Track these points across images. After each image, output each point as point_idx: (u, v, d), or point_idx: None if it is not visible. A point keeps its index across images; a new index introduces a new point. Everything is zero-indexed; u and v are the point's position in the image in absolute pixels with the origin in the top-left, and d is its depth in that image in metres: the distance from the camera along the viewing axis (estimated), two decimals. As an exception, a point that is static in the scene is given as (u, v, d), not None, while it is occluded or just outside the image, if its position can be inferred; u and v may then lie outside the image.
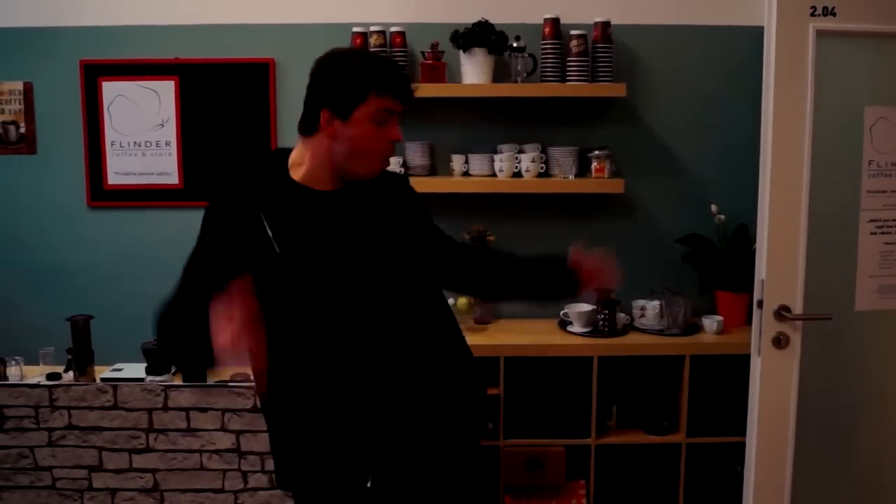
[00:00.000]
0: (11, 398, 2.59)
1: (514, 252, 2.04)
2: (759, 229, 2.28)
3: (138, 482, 2.63)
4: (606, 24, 2.89)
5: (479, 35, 2.82)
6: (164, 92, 3.03)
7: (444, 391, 1.79)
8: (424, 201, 1.92)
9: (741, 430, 2.39)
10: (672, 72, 3.02)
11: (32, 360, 2.76)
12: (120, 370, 2.72)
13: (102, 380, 2.63)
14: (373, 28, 2.89)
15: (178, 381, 2.64)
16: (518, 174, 2.93)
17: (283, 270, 1.64)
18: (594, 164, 2.90)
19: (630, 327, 2.96)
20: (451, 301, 2.32)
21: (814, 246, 2.25)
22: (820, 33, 2.20)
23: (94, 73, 3.01)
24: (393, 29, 2.91)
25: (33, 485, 2.63)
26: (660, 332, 2.89)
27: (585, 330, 2.89)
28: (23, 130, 3.06)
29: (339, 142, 1.65)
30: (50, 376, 2.65)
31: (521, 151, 2.95)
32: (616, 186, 2.90)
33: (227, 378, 2.64)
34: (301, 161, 1.70)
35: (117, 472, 2.62)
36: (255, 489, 2.62)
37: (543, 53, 2.89)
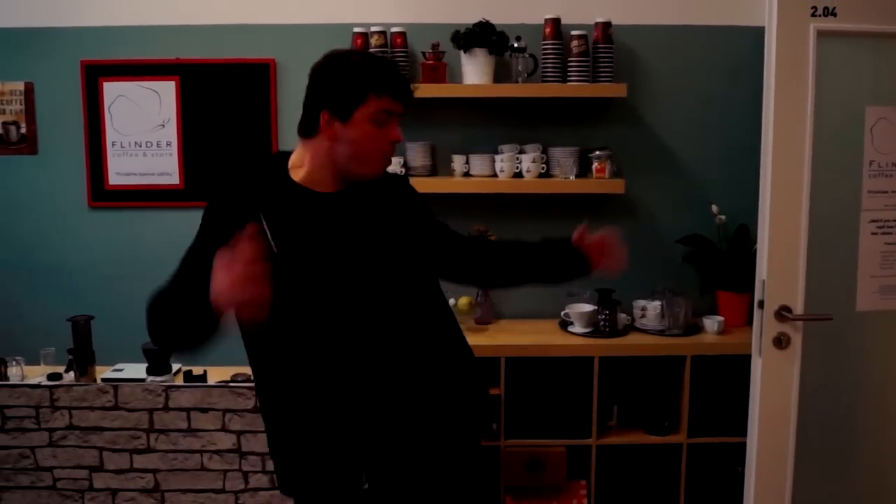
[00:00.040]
0: (12, 398, 2.59)
1: (519, 239, 2.04)
2: (759, 229, 2.28)
3: (139, 482, 2.63)
4: (607, 25, 2.89)
5: (480, 35, 2.82)
6: (165, 92, 3.03)
7: (446, 392, 1.79)
8: (425, 199, 1.93)
9: (742, 430, 2.39)
10: (673, 72, 3.02)
11: (33, 361, 2.76)
12: (121, 370, 2.72)
13: (103, 380, 2.63)
14: (373, 28, 2.89)
15: (178, 382, 2.65)
16: (519, 174, 2.93)
17: (283, 272, 1.64)
18: (595, 165, 2.90)
19: (631, 328, 2.96)
20: (451, 301, 2.33)
21: (815, 246, 2.25)
22: (821, 33, 2.20)
23: (95, 74, 3.01)
24: (394, 29, 2.91)
25: (34, 485, 2.63)
26: (661, 333, 2.89)
27: (586, 330, 2.89)
28: (24, 131, 3.06)
29: (339, 143, 1.65)
30: (51, 377, 2.65)
31: (521, 152, 2.96)
32: (617, 187, 2.90)
33: (228, 378, 2.65)
34: (301, 163, 1.70)
35: (118, 472, 2.62)
36: (256, 489, 2.62)
37: (544, 54, 2.89)
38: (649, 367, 2.93)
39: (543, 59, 2.90)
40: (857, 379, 2.52)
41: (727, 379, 2.77)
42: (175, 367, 2.72)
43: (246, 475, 2.62)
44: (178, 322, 1.59)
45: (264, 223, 1.64)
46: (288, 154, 1.75)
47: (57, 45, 3.00)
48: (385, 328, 1.71)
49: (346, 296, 1.68)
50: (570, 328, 2.94)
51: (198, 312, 1.50)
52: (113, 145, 3.05)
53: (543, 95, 2.91)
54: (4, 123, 3.05)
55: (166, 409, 2.59)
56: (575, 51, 2.87)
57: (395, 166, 2.86)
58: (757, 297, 2.27)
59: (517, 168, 2.92)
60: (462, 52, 2.86)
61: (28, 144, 3.07)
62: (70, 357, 2.66)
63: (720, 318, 2.90)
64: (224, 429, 2.60)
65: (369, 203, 1.76)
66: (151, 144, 3.06)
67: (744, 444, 2.39)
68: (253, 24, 3.00)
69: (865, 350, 2.52)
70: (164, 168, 3.06)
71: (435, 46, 2.87)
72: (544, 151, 2.97)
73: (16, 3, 2.99)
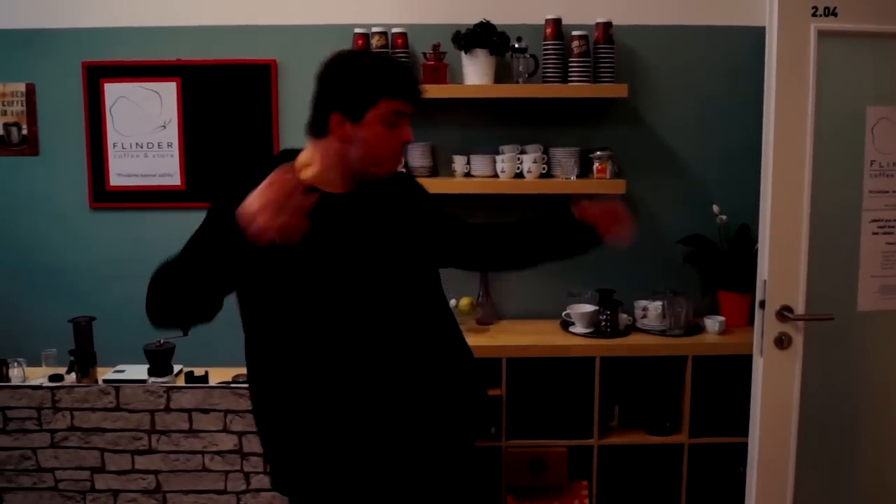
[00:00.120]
0: (14, 400, 2.59)
1: (523, 219, 2.03)
2: (760, 230, 2.27)
3: (140, 483, 2.63)
4: (608, 25, 2.89)
5: (481, 36, 2.83)
6: (166, 93, 3.03)
7: (444, 392, 1.79)
8: (433, 195, 1.93)
9: (743, 430, 2.39)
10: (674, 72, 3.02)
11: (35, 362, 2.77)
12: (122, 371, 2.72)
13: (105, 381, 2.63)
14: (374, 29, 2.90)
15: (180, 383, 2.65)
16: (520, 175, 2.93)
17: (290, 271, 1.63)
18: (596, 165, 2.90)
19: (632, 328, 2.96)
20: (452, 302, 2.33)
21: (816, 246, 2.25)
22: (821, 33, 2.20)
23: (96, 75, 3.01)
24: (395, 30, 2.91)
25: (36, 486, 2.63)
26: (662, 333, 2.89)
27: (587, 330, 2.89)
28: (25, 132, 3.06)
29: (350, 145, 1.65)
30: (52, 378, 2.65)
31: (522, 152, 2.96)
32: (618, 187, 2.89)
33: (230, 379, 2.65)
34: (310, 163, 1.70)
35: (119, 473, 2.62)
36: (258, 490, 2.62)
37: (545, 54, 2.89)
38: (650, 368, 2.93)
39: (544, 59, 2.90)
40: (858, 379, 2.52)
41: (728, 379, 2.77)
42: (176, 368, 2.72)
43: (247, 476, 2.62)
44: (182, 288, 1.56)
45: None
46: (296, 152, 1.75)
47: (58, 46, 3.01)
48: (388, 327, 1.71)
49: (356, 296, 1.68)
50: (572, 328, 2.94)
51: (204, 279, 1.49)
52: (114, 146, 3.06)
53: (544, 96, 2.91)
54: (6, 125, 3.05)
55: (168, 410, 2.59)
56: (576, 51, 2.87)
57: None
58: (758, 297, 2.27)
59: (518, 168, 2.92)
60: (463, 53, 2.86)
61: (29, 146, 3.07)
62: (71, 358, 2.66)
63: (721, 319, 2.90)
64: (225, 430, 2.60)
65: (380, 204, 1.76)
66: (152, 145, 3.06)
67: (745, 445, 2.38)
68: (254, 24, 3.00)
69: (866, 350, 2.52)
70: (166, 169, 3.06)
71: (436, 47, 2.87)
72: (545, 152, 2.97)
73: (17, 5, 2.99)
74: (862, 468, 2.56)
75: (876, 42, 2.34)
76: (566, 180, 2.90)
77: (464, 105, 2.98)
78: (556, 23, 2.88)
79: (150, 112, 3.04)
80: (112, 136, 3.05)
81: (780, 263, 2.23)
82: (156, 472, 2.62)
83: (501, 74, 2.92)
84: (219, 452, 2.61)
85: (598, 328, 2.89)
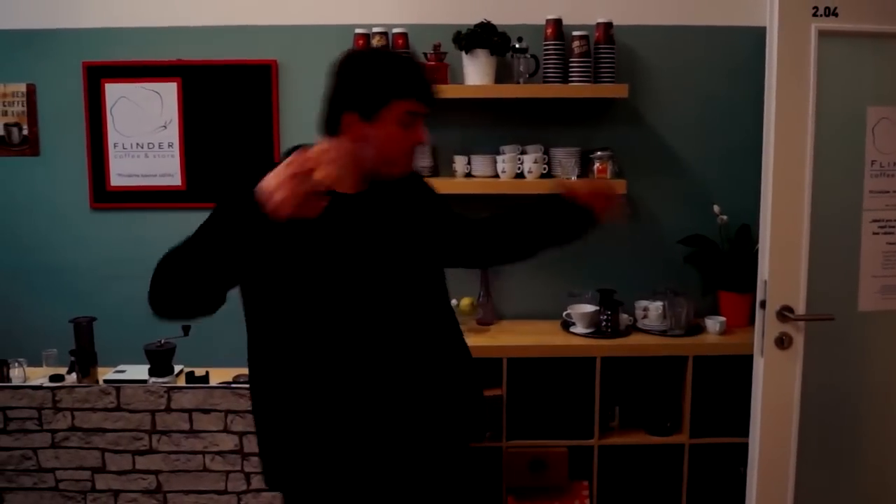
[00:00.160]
0: (14, 400, 2.59)
1: (515, 206, 2.02)
2: (761, 230, 2.27)
3: (141, 484, 2.63)
4: (608, 25, 2.89)
5: (482, 36, 2.83)
6: (167, 93, 3.03)
7: (441, 393, 1.78)
8: (442, 195, 1.94)
9: (744, 430, 2.39)
10: (674, 72, 3.02)
11: (35, 362, 2.77)
12: (123, 372, 2.72)
13: (105, 381, 2.63)
14: (375, 29, 2.90)
15: (180, 383, 2.65)
16: (520, 175, 2.93)
17: (299, 269, 1.62)
18: (596, 165, 2.90)
19: (633, 328, 2.96)
20: (453, 302, 2.32)
21: (816, 246, 2.25)
22: (822, 33, 2.20)
23: (97, 75, 3.01)
24: (395, 30, 2.91)
25: (36, 486, 2.63)
26: (662, 333, 2.89)
27: (588, 331, 2.89)
28: (26, 132, 3.06)
29: (364, 144, 1.65)
30: (53, 378, 2.65)
31: (523, 152, 2.95)
32: (618, 187, 2.89)
33: (230, 380, 2.65)
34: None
35: (120, 473, 2.62)
36: (258, 490, 2.62)
37: (545, 54, 2.89)
38: (651, 368, 2.93)
39: (545, 59, 2.90)
40: (858, 379, 2.52)
41: (729, 379, 2.77)
42: (177, 368, 2.72)
43: (248, 476, 2.62)
44: (189, 272, 1.52)
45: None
46: (307, 148, 1.74)
47: (58, 46, 3.01)
48: (393, 327, 1.71)
49: (364, 296, 1.68)
50: (572, 329, 2.94)
51: (213, 262, 1.47)
52: (115, 146, 3.06)
53: (545, 96, 2.91)
54: (6, 125, 3.05)
55: (168, 410, 2.59)
56: (576, 51, 2.87)
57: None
58: (759, 297, 2.27)
59: (519, 169, 2.92)
60: (463, 53, 2.86)
61: (30, 146, 3.07)
62: (72, 358, 2.66)
63: (722, 319, 2.90)
64: (226, 430, 2.60)
65: (392, 204, 1.75)
66: (153, 146, 3.06)
67: (746, 445, 2.38)
68: (254, 25, 3.00)
69: (867, 350, 2.52)
70: (166, 169, 3.06)
71: (436, 47, 2.87)
72: (546, 152, 2.97)
73: (17, 5, 2.99)
74: (862, 468, 2.56)
75: (876, 42, 2.34)
76: (567, 180, 2.90)
77: (464, 105, 2.97)
78: (557, 23, 2.88)
79: (151, 112, 3.04)
80: (113, 137, 3.05)
81: (781, 263, 2.23)
82: (156, 473, 2.62)
83: (502, 75, 2.92)
84: (219, 453, 2.61)
85: (599, 328, 2.89)
